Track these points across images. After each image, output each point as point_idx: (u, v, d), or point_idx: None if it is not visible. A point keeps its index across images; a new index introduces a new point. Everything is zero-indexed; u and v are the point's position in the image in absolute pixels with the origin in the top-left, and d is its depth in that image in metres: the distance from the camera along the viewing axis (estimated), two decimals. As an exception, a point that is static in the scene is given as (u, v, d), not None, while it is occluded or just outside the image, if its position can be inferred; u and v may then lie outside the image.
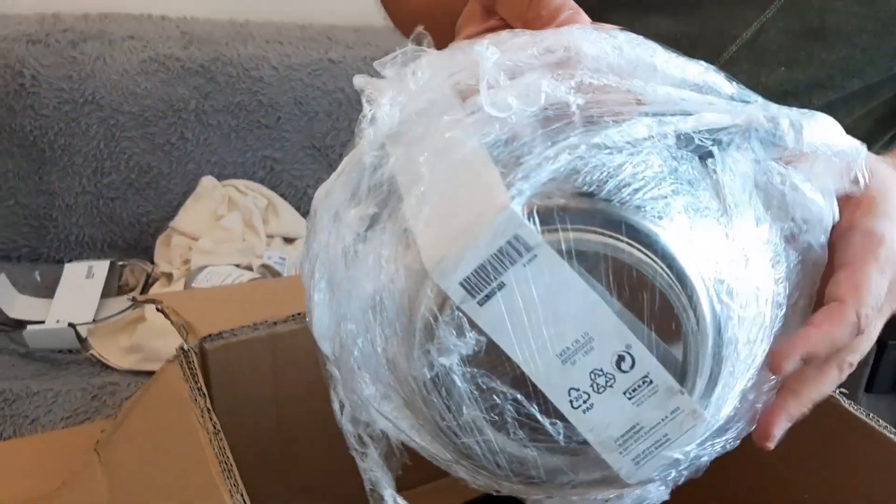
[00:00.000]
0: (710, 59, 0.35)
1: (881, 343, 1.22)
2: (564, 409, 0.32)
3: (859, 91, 0.53)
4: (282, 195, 1.41)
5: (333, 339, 0.35)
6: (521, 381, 0.32)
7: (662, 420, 0.32)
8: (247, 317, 0.54)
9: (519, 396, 0.32)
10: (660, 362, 0.32)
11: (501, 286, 0.30)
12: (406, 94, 0.34)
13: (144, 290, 1.33)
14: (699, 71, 0.34)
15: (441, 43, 0.39)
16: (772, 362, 0.33)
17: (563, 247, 0.30)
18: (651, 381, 0.32)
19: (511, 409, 0.32)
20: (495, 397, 0.32)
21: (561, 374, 0.32)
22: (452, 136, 0.32)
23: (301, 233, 1.40)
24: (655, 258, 0.31)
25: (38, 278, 1.34)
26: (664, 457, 0.33)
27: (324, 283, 0.35)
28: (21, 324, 1.23)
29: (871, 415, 0.46)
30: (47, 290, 1.31)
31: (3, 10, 1.43)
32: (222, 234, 1.31)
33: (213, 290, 0.87)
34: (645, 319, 0.31)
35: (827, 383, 0.35)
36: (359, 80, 0.36)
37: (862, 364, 1.35)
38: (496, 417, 0.33)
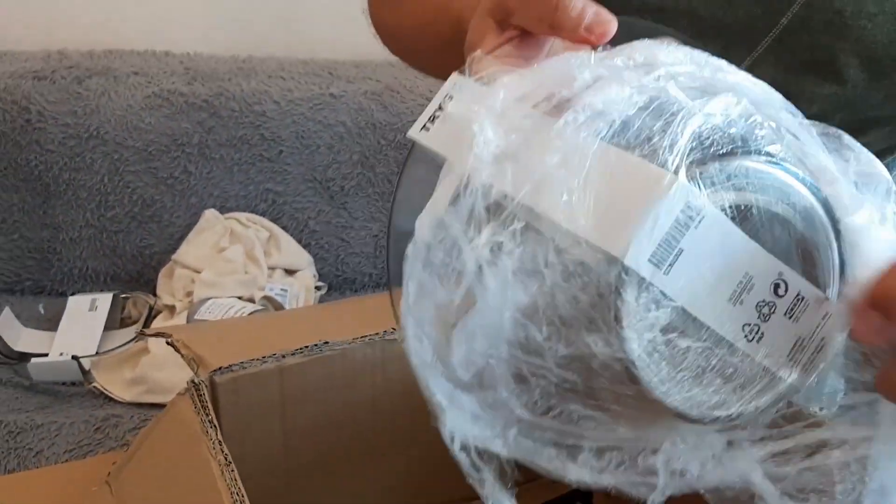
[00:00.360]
0: None
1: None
2: (741, 344, 0.36)
3: (853, 126, 0.54)
4: (283, 227, 1.42)
5: (468, 364, 0.37)
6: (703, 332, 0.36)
7: (818, 327, 0.37)
8: (255, 350, 0.56)
9: (706, 346, 0.36)
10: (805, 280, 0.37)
11: (680, 252, 0.34)
12: (494, 116, 0.37)
13: (147, 322, 1.34)
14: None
15: (420, 62, 0.40)
16: None
17: (725, 204, 0.34)
18: (803, 298, 0.37)
19: (702, 359, 0.36)
20: (688, 354, 0.36)
21: (735, 316, 0.36)
22: (570, 139, 0.35)
23: (302, 265, 1.41)
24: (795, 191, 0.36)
25: (42, 311, 1.35)
26: (825, 356, 0.38)
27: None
28: (25, 356, 1.24)
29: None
30: (50, 322, 1.32)
31: (10, 47, 1.46)
32: (224, 267, 1.32)
33: (220, 323, 0.88)
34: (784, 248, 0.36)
35: None
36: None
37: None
38: (692, 372, 0.36)
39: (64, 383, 1.24)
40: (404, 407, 0.60)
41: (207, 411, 0.49)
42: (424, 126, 0.40)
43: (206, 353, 0.55)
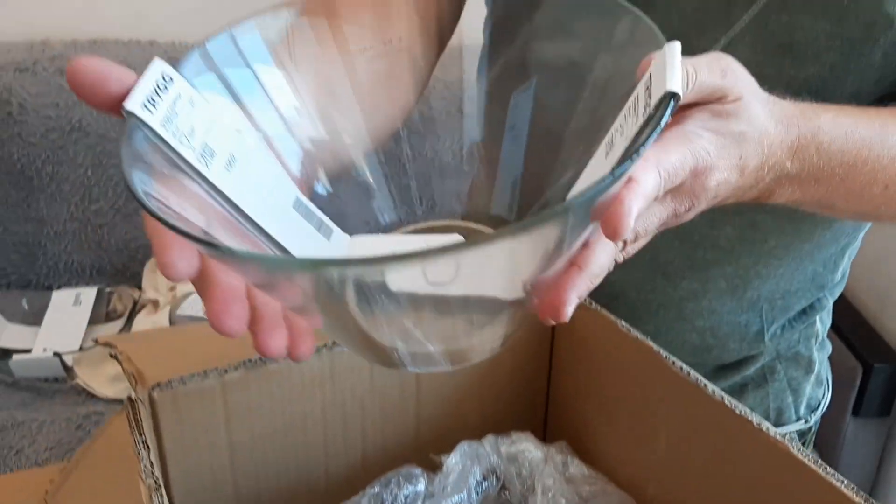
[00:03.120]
0: None
1: (867, 366, 1.21)
2: None
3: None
4: (269, 220, 1.41)
5: None
6: None
7: None
8: (199, 363, 0.54)
9: None
10: None
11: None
12: None
13: (131, 316, 1.33)
14: None
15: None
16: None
17: None
18: None
19: None
20: None
21: None
22: None
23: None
24: None
25: (26, 306, 1.35)
26: None
27: None
28: (8, 353, 1.24)
29: (820, 462, 0.45)
30: (35, 317, 1.32)
31: (-8, 38, 1.44)
32: (208, 261, 1.31)
33: (170, 332, 0.87)
34: None
35: (609, 255, 0.33)
36: None
37: (848, 387, 1.35)
38: None
39: (47, 380, 1.24)
40: (354, 418, 0.59)
41: (141, 431, 0.48)
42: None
43: (149, 366, 0.54)
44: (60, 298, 1.34)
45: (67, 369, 1.22)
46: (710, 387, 0.50)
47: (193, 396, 0.52)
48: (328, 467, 0.59)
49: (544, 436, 0.67)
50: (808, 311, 0.67)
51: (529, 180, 0.42)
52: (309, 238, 0.37)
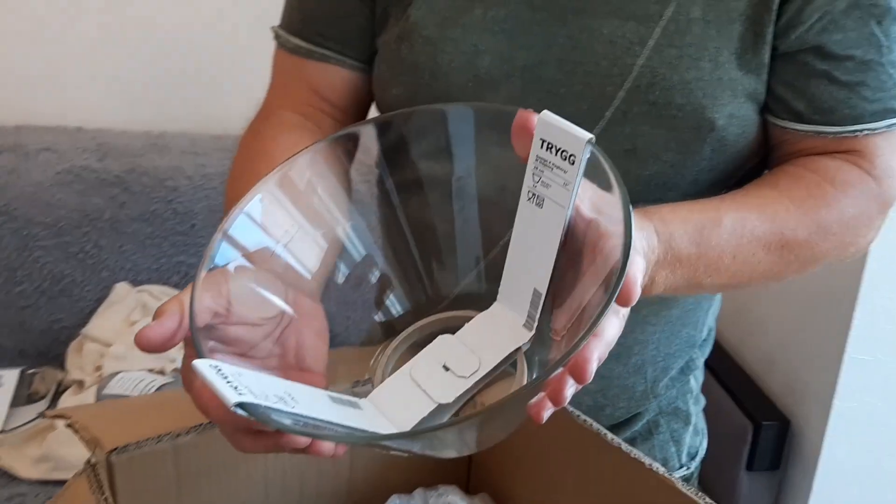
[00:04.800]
0: None
1: (756, 424, 1.32)
2: None
3: (676, 200, 0.62)
4: (196, 299, 1.45)
5: None
6: None
7: None
8: (153, 428, 0.59)
9: None
10: None
11: None
12: None
13: (55, 397, 1.34)
14: None
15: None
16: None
17: None
18: None
19: None
20: None
21: None
22: None
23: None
24: None
25: (-54, 389, 1.33)
26: None
27: None
28: (-74, 437, 1.22)
29: (700, 493, 0.53)
30: (-46, 400, 1.31)
31: (-83, 124, 1.46)
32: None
33: (121, 402, 0.90)
34: None
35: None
36: None
37: (741, 443, 1.45)
38: None
39: (-33, 463, 1.22)
40: (293, 478, 0.64)
41: (103, 490, 0.52)
42: None
43: (105, 433, 0.58)
44: (-19, 381, 1.34)
45: (-11, 452, 1.21)
46: (609, 435, 0.58)
47: (148, 459, 0.57)
48: (270, 525, 0.64)
49: (468, 488, 0.74)
50: (684, 370, 0.77)
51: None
52: (348, 412, 0.46)
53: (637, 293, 0.41)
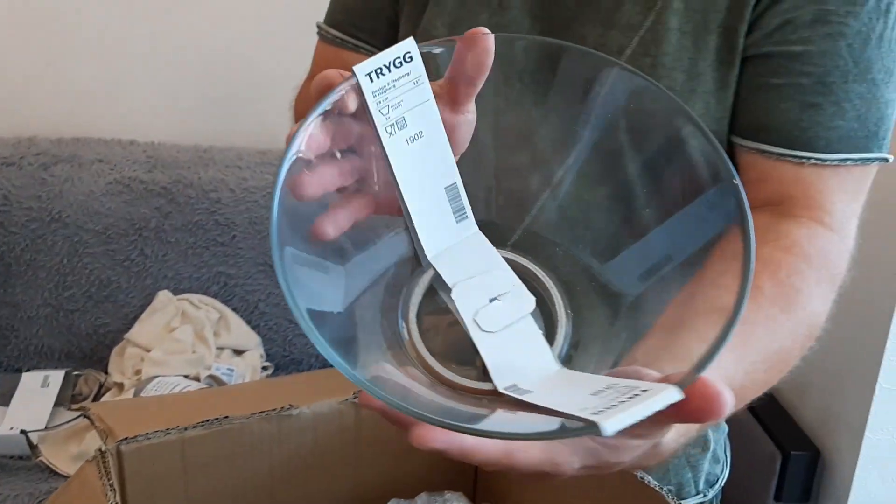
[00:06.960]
0: None
1: (785, 453, 1.30)
2: None
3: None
4: (234, 309, 1.49)
5: None
6: None
7: None
8: (164, 423, 0.62)
9: None
10: None
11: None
12: None
13: (96, 399, 1.39)
14: None
15: None
16: None
17: None
18: None
19: None
20: None
21: None
22: None
23: (250, 345, 1.47)
24: None
25: (-5, 387, 1.40)
26: None
27: None
28: (-26, 431, 1.28)
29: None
30: (4, 397, 1.37)
31: (-17, 135, 1.55)
32: (174, 346, 1.38)
33: (139, 400, 0.94)
34: None
35: None
36: None
37: (769, 473, 1.42)
38: None
39: (12, 457, 1.28)
40: (300, 476, 0.66)
41: (109, 476, 0.55)
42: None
43: (119, 425, 0.61)
44: (29, 380, 1.40)
45: (32, 447, 1.27)
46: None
47: (156, 449, 0.60)
48: (274, 521, 0.66)
49: (474, 496, 0.75)
50: None
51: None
52: (441, 217, 0.42)
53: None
